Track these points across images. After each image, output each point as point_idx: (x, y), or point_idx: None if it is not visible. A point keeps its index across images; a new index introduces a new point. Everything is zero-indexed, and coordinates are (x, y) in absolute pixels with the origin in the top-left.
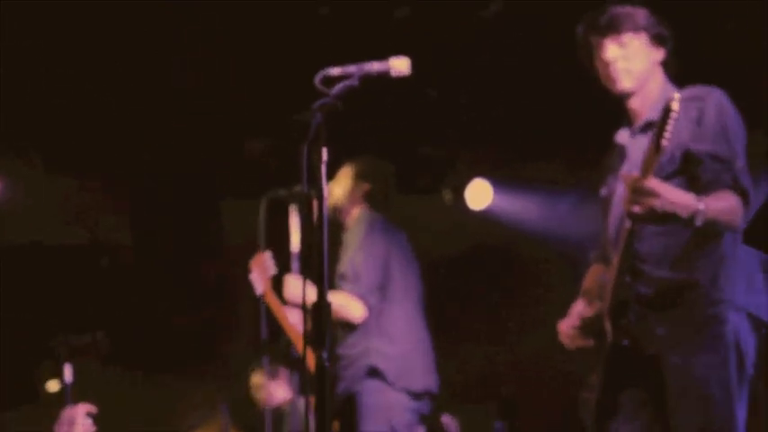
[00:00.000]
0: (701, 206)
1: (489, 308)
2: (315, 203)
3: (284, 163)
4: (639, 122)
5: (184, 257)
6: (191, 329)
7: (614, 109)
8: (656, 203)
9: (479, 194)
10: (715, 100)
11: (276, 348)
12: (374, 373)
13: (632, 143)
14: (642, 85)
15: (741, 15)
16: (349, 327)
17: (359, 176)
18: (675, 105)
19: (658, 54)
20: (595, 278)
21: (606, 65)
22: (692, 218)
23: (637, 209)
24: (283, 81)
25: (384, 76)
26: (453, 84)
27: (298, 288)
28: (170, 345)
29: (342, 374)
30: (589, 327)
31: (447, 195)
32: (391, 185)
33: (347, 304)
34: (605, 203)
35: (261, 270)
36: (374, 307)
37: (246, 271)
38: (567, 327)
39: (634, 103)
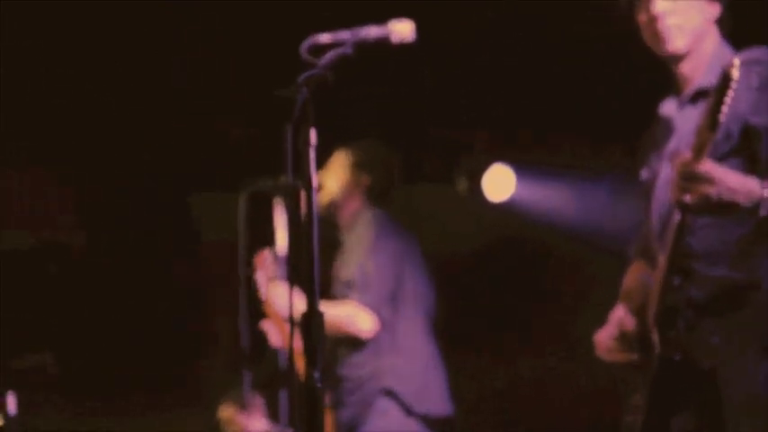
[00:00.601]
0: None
1: (511, 316)
2: (303, 196)
3: (266, 149)
4: (689, 90)
5: (148, 261)
6: (156, 347)
7: (656, 79)
8: (712, 191)
9: (499, 183)
10: None
11: (262, 367)
12: (389, 396)
13: (680, 116)
14: (695, 46)
15: None
16: (355, 344)
17: (357, 166)
18: (735, 72)
19: (713, 9)
20: (637, 278)
21: (653, 21)
22: (755, 207)
23: (688, 198)
24: (263, 51)
25: (384, 44)
26: (467, 52)
27: (284, 297)
28: (132, 366)
29: (346, 400)
30: (632, 338)
31: (461, 184)
32: (396, 177)
33: (356, 316)
34: (647, 188)
35: (265, 270)
36: (387, 320)
37: (222, 275)
38: (605, 338)
39: (684, 68)
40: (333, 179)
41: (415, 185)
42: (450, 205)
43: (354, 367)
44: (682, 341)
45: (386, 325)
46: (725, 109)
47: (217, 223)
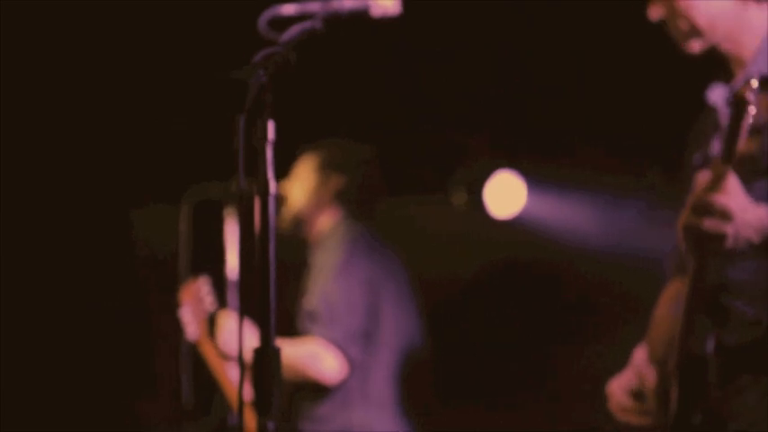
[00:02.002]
0: None
1: (515, 355)
2: (257, 204)
3: (214, 148)
4: (745, 78)
5: (73, 286)
6: (84, 390)
7: (696, 72)
8: (729, 229)
9: (506, 195)
10: None
11: (207, 421)
12: None
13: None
14: (727, 32)
15: None
16: (319, 391)
17: (326, 167)
18: (750, 96)
19: None
20: (671, 304)
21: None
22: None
23: (700, 240)
24: (211, 25)
25: (362, 18)
26: (468, 35)
27: (233, 331)
28: (54, 412)
29: None
30: (653, 392)
31: (458, 196)
32: (376, 183)
33: (318, 356)
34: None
35: (195, 305)
36: (357, 361)
37: (165, 305)
38: (619, 390)
39: (730, 51)
40: (298, 187)
41: (400, 197)
42: (445, 221)
43: (318, 422)
44: (708, 399)
45: (356, 368)
46: (743, 139)
47: (155, 239)
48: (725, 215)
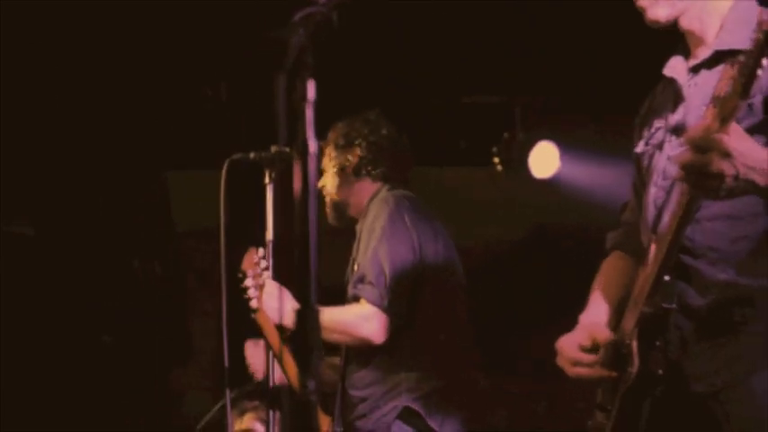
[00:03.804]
0: None
1: (557, 322)
2: (297, 168)
3: (254, 114)
4: (704, 53)
5: (111, 252)
6: (123, 354)
7: None
8: (730, 168)
9: (544, 159)
10: None
11: (246, 386)
12: (409, 417)
13: (692, 82)
14: (692, 5)
15: None
16: (367, 354)
17: (340, 146)
18: None
19: None
20: (615, 275)
21: None
22: None
23: (700, 177)
24: None
25: None
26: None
27: (274, 295)
28: (93, 378)
29: (359, 426)
30: (605, 349)
31: (500, 161)
32: (392, 142)
33: (364, 317)
34: (643, 164)
35: (257, 274)
36: (404, 322)
37: (199, 270)
38: (569, 346)
39: (691, 26)
40: (326, 179)
41: (443, 168)
42: (486, 188)
43: (366, 386)
44: (670, 357)
45: (403, 328)
46: (761, 73)
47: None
48: (727, 153)
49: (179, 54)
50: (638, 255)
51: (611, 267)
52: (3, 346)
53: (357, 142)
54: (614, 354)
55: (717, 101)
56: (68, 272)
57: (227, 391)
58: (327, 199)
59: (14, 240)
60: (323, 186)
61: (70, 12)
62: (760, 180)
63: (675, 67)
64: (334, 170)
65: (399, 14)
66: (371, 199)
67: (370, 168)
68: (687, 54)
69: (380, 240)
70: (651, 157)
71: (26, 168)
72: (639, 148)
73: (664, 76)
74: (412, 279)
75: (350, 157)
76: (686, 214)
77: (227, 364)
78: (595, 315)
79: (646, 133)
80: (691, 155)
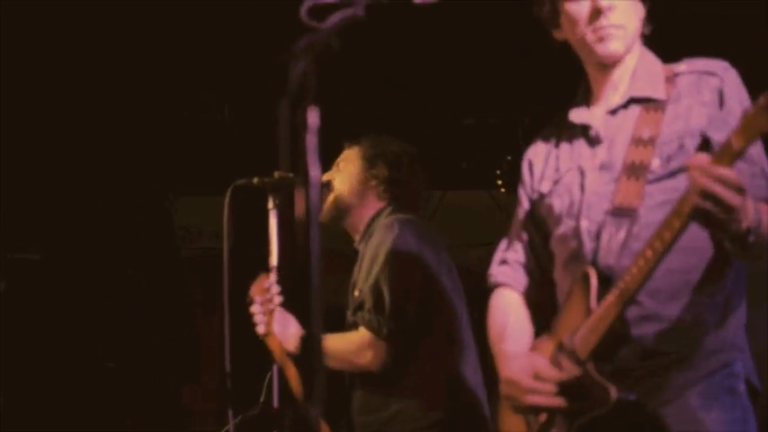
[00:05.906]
0: (765, 218)
1: None
2: (299, 194)
3: (257, 139)
4: (620, 99)
5: (119, 278)
6: (129, 379)
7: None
8: (737, 201)
9: None
10: (734, 79)
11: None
12: None
13: (610, 124)
14: (629, 50)
15: None
16: (371, 380)
17: (371, 158)
18: None
19: (642, 11)
20: (522, 311)
21: (597, 14)
22: (747, 231)
23: (709, 204)
24: (250, 14)
25: (403, 5)
26: (510, 22)
27: (281, 322)
28: (98, 402)
29: None
30: (566, 379)
31: (502, 185)
32: (418, 176)
33: (365, 345)
34: (550, 202)
35: (263, 300)
36: (408, 350)
37: (203, 296)
38: (522, 374)
39: (614, 74)
40: (341, 177)
41: (446, 193)
42: (489, 212)
43: (369, 411)
44: (633, 377)
45: (407, 355)
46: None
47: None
48: (741, 190)
49: (183, 80)
50: (536, 290)
51: (514, 306)
52: (10, 368)
53: (389, 162)
54: (576, 382)
55: (723, 145)
56: (74, 296)
57: (230, 414)
58: (332, 195)
59: (21, 265)
60: (331, 181)
61: (76, 37)
62: (743, 218)
63: (583, 115)
64: (356, 175)
65: (401, 37)
66: (374, 218)
67: (390, 189)
68: (587, 102)
69: (383, 268)
70: (569, 194)
71: (32, 194)
72: (544, 188)
73: (568, 123)
74: (415, 306)
75: (377, 172)
76: (674, 241)
77: (229, 386)
78: (523, 346)
79: (547, 175)
80: (711, 184)
